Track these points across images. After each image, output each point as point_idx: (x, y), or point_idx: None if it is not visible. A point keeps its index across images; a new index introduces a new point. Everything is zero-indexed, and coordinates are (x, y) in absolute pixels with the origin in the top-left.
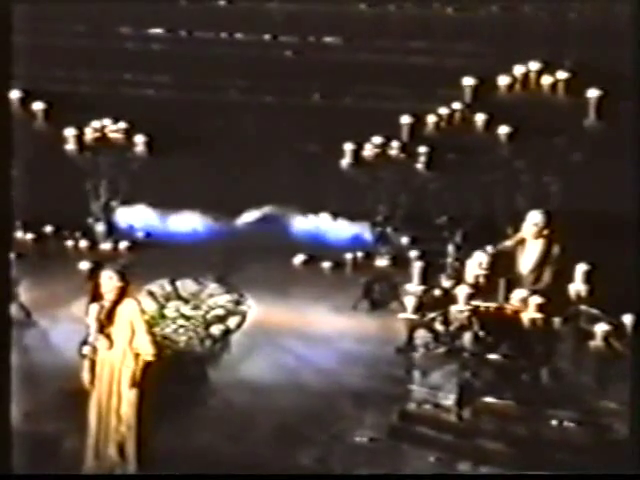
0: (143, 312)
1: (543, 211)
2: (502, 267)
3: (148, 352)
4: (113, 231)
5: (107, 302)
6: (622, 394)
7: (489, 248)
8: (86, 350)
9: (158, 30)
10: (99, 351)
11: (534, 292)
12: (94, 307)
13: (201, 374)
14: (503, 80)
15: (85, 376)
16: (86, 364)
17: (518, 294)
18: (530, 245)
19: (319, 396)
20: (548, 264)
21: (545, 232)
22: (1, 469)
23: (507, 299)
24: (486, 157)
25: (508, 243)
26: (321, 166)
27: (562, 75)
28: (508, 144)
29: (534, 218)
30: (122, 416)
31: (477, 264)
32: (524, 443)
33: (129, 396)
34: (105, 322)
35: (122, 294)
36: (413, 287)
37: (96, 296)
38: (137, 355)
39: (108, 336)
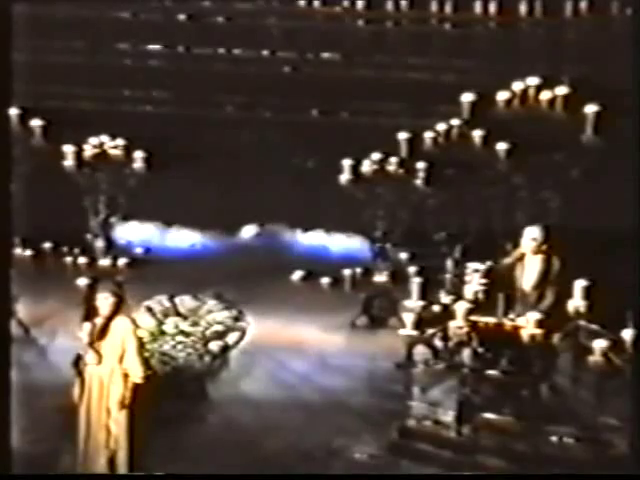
0: (137, 331)
1: (541, 226)
2: (502, 283)
3: (137, 374)
4: (112, 247)
5: (102, 317)
6: (622, 410)
7: (487, 264)
8: (78, 364)
9: (156, 46)
10: (88, 365)
11: (546, 314)
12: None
13: (200, 390)
14: (501, 96)
15: (75, 390)
16: (77, 378)
17: (525, 318)
18: (530, 261)
19: (318, 412)
20: (550, 281)
21: (544, 247)
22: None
23: (506, 315)
24: (485, 173)
25: (507, 260)
26: (319, 182)
27: (560, 91)
28: (506, 160)
29: (532, 233)
30: (111, 431)
31: (472, 270)
32: (524, 459)
33: (119, 416)
34: (97, 336)
35: (117, 309)
36: (412, 303)
37: (91, 312)
38: (126, 375)
39: (97, 351)
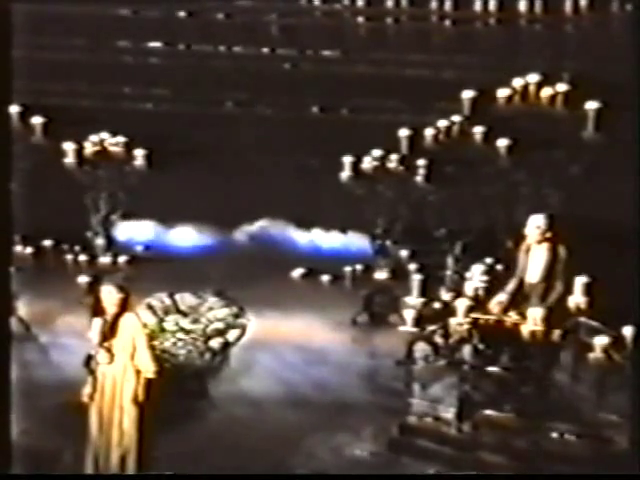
0: (145, 327)
1: (545, 214)
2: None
3: (149, 369)
4: (112, 245)
5: (109, 315)
6: (622, 406)
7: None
8: (90, 363)
9: (157, 44)
10: (100, 364)
11: (549, 309)
12: (97, 321)
13: (200, 388)
14: (502, 92)
15: (87, 389)
16: (89, 377)
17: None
18: (535, 251)
19: (318, 409)
20: (557, 272)
21: (548, 235)
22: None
23: (507, 311)
24: (485, 170)
25: (515, 280)
26: (320, 179)
27: (561, 87)
28: (507, 156)
29: (536, 221)
30: (124, 430)
31: (497, 302)
32: (524, 456)
33: (131, 411)
34: (107, 335)
35: (124, 306)
36: (413, 300)
37: (98, 310)
38: (138, 371)
39: (109, 350)
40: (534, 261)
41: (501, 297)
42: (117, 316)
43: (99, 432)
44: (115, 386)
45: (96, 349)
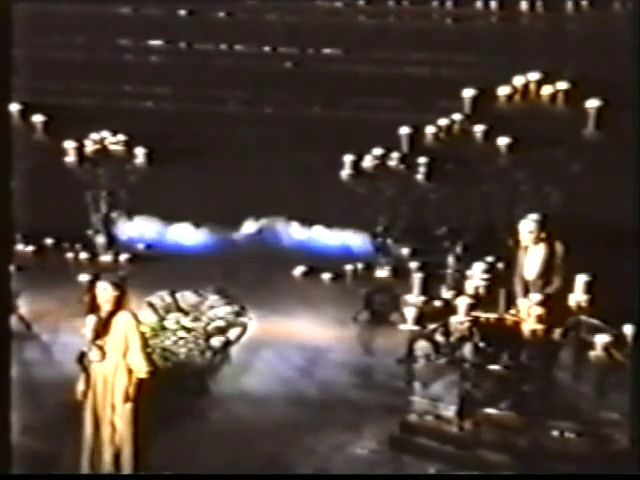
0: (139, 325)
1: (535, 217)
2: (504, 277)
3: (141, 369)
4: (113, 243)
5: (104, 313)
6: (623, 405)
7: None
8: (83, 361)
9: (157, 42)
10: (92, 362)
11: (547, 296)
12: (91, 318)
13: (201, 386)
14: (503, 91)
15: (80, 386)
16: (82, 374)
17: (523, 303)
18: (532, 251)
19: (319, 407)
20: (555, 267)
21: (543, 235)
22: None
23: (507, 309)
24: (486, 168)
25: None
26: (321, 177)
27: (562, 85)
28: (508, 155)
29: (527, 227)
30: (116, 427)
31: (525, 307)
32: (525, 454)
33: (123, 410)
34: (100, 333)
35: (118, 304)
36: (413, 298)
37: (94, 307)
38: (130, 370)
39: (101, 347)
40: (532, 258)
41: (526, 302)
42: (111, 314)
43: (93, 430)
44: (106, 384)
45: (89, 346)
